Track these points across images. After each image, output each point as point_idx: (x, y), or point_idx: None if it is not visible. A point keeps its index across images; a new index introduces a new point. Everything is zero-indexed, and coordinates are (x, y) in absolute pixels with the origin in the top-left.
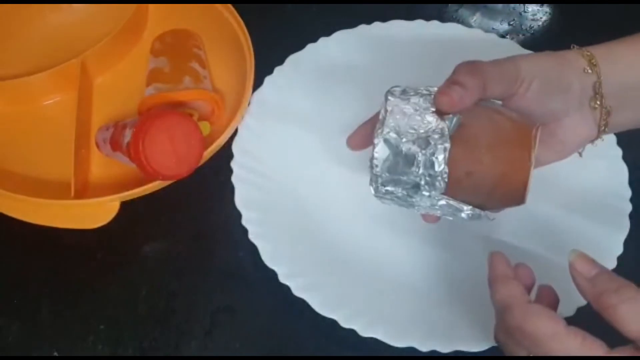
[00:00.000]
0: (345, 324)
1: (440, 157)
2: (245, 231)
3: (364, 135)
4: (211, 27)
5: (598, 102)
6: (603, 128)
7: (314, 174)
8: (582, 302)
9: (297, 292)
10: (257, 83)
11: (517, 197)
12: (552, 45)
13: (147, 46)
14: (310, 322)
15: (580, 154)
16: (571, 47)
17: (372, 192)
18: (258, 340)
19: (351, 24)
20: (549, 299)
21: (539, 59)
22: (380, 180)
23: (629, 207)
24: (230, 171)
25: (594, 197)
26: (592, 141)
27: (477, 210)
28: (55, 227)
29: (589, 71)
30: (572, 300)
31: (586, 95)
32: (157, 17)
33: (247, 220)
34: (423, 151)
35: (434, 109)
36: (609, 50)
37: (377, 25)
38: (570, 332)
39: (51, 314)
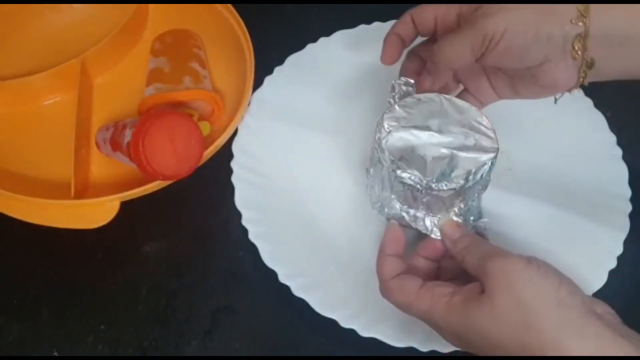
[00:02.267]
0: (345, 324)
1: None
2: (245, 231)
3: (393, 48)
4: (211, 27)
5: (579, 53)
6: (582, 80)
7: (314, 174)
8: None
9: (297, 292)
10: (257, 83)
11: None
12: None
13: (147, 46)
14: (310, 322)
15: (555, 101)
16: None
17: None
18: (258, 340)
19: (351, 24)
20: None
21: (514, 11)
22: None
23: (629, 207)
24: (230, 171)
25: (594, 197)
26: (570, 90)
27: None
28: (55, 227)
29: (578, 23)
30: None
31: (569, 45)
32: (157, 17)
33: (247, 220)
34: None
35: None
36: (605, 6)
37: (377, 25)
38: (420, 296)
39: (51, 314)
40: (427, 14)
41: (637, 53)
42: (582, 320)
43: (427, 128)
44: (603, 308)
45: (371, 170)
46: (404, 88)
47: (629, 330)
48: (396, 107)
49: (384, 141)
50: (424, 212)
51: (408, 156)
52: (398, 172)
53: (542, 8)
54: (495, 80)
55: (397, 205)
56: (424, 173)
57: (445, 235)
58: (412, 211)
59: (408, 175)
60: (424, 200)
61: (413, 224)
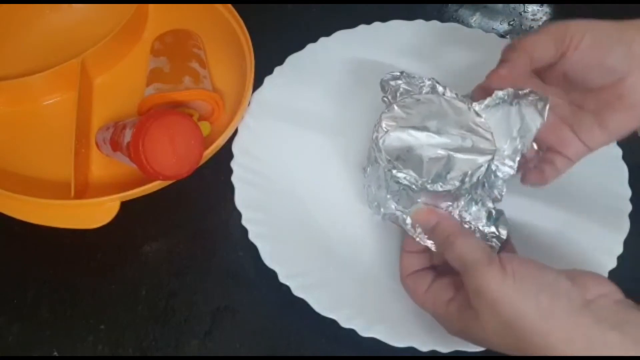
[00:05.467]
0: (345, 324)
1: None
2: (245, 231)
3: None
4: (211, 27)
5: None
6: None
7: (314, 173)
8: None
9: (297, 292)
10: (257, 83)
11: None
12: None
13: (147, 46)
14: (310, 322)
15: None
16: None
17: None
18: (258, 340)
19: (351, 24)
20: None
21: (594, 21)
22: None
23: (629, 207)
24: (230, 171)
25: (594, 197)
26: None
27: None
28: (55, 227)
29: None
30: None
31: None
32: (157, 17)
33: (247, 220)
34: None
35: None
36: None
37: (377, 25)
38: (426, 299)
39: (51, 314)
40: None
41: None
42: (568, 323)
43: (425, 128)
44: (597, 289)
45: (368, 169)
46: (392, 83)
47: (624, 312)
48: (395, 107)
49: (381, 140)
50: None
51: (405, 156)
52: (394, 171)
53: (622, 21)
54: (579, 124)
55: (393, 205)
56: (419, 173)
57: (421, 225)
58: (407, 211)
59: (403, 175)
60: (419, 200)
61: (404, 225)
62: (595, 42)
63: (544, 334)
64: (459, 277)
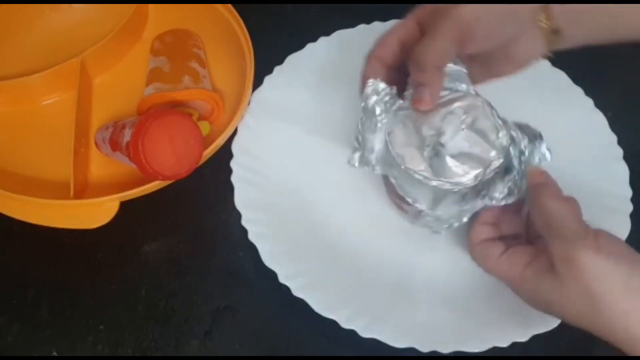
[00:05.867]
0: (345, 324)
1: None
2: (245, 231)
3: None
4: (211, 27)
5: (546, 22)
6: (551, 46)
7: (314, 173)
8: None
9: (297, 292)
10: (257, 83)
11: None
12: None
13: (147, 46)
14: (310, 322)
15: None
16: None
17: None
18: (258, 340)
19: (351, 24)
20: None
21: (478, 7)
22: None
23: (629, 207)
24: (230, 171)
25: (594, 197)
26: (541, 57)
27: None
28: (54, 227)
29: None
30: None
31: (535, 15)
32: (157, 17)
33: (247, 220)
34: None
35: None
36: None
37: (377, 25)
38: (500, 263)
39: (51, 314)
40: (391, 41)
41: (599, 21)
42: None
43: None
44: None
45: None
46: (374, 99)
47: None
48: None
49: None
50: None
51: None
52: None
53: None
54: (470, 69)
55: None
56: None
57: (531, 176)
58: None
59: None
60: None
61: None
62: (489, 26)
63: (626, 311)
64: (535, 247)
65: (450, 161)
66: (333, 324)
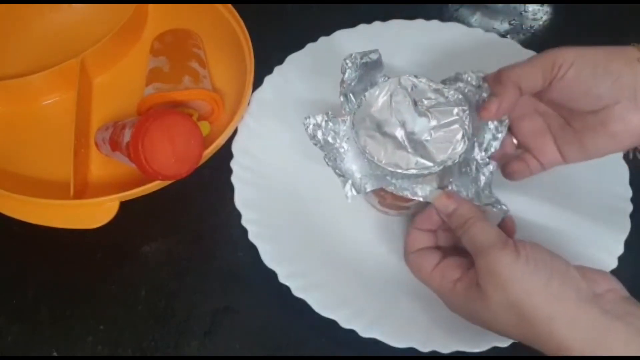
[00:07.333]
0: (345, 324)
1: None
2: (245, 231)
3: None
4: (211, 27)
5: None
6: None
7: (314, 173)
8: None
9: (297, 292)
10: (257, 83)
11: None
12: (553, 45)
13: (147, 46)
14: (310, 322)
15: (628, 156)
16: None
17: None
18: (258, 340)
19: (351, 24)
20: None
21: (582, 48)
22: None
23: (629, 207)
24: (230, 171)
25: (594, 197)
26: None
27: None
28: (54, 227)
29: None
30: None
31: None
32: (157, 17)
33: (247, 220)
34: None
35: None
36: None
37: (377, 25)
38: (432, 276)
39: (51, 314)
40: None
41: None
42: (575, 311)
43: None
44: (605, 285)
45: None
46: (320, 133)
47: (629, 306)
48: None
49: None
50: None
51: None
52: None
53: (611, 48)
54: (562, 137)
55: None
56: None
57: (439, 210)
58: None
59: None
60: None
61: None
62: (580, 73)
63: (549, 316)
64: (468, 259)
65: (432, 143)
66: (333, 324)
